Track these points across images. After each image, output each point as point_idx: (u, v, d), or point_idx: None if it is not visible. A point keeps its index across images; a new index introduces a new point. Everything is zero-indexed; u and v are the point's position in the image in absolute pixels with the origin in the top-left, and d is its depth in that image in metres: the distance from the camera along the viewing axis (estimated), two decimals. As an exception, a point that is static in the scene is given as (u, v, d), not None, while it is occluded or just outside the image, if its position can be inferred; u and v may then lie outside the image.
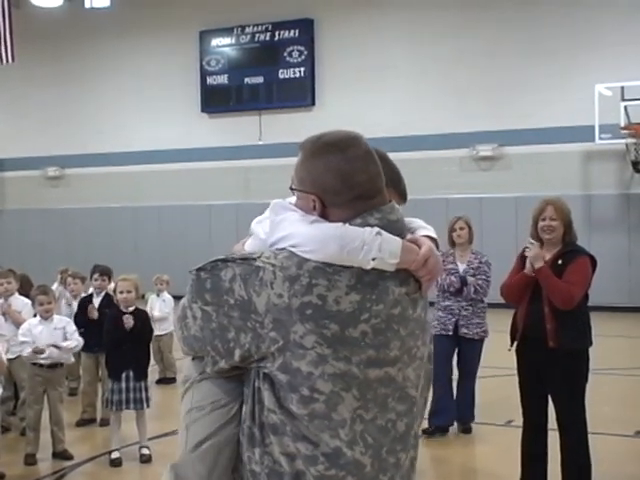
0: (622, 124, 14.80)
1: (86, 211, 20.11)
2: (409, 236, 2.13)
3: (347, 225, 2.02)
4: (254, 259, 2.02)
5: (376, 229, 2.02)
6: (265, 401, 2.02)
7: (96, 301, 7.90)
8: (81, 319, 7.64)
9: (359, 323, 1.99)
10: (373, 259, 1.99)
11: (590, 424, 5.41)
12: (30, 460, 6.53)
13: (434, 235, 2.24)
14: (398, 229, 2.09)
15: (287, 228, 2.05)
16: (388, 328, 2.03)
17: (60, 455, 6.66)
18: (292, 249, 2.00)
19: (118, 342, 6.61)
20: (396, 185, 2.53)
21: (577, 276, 5.12)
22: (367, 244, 1.99)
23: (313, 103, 18.12)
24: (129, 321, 6.60)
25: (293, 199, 2.17)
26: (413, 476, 2.22)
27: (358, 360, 1.99)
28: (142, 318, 6.84)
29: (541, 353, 5.16)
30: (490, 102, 16.47)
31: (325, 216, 2.06)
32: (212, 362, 2.10)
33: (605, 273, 16.04)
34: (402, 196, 2.60)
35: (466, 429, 7.17)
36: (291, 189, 2.16)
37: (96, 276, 8.16)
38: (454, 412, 7.12)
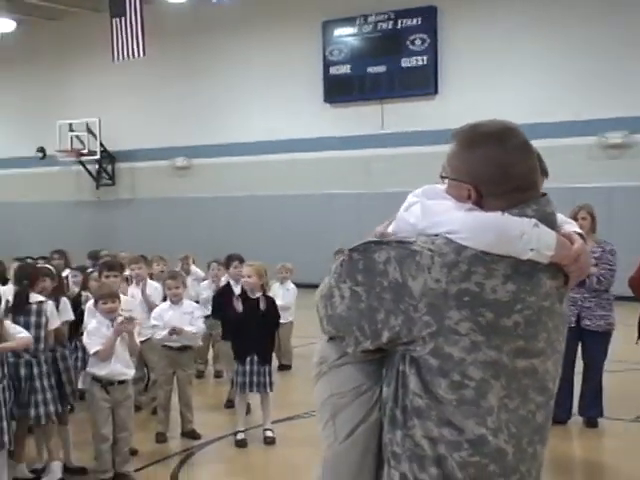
0: None
1: (210, 200, 20.60)
2: (561, 231, 2.12)
3: (506, 214, 2.02)
4: (410, 243, 2.02)
5: (534, 220, 2.03)
6: (410, 385, 2.03)
7: (236, 290, 7.84)
8: (221, 309, 7.53)
9: (513, 313, 2.00)
10: (531, 250, 1.99)
11: None
12: (161, 438, 6.81)
13: (580, 231, 2.21)
14: (552, 222, 2.09)
15: (442, 214, 2.05)
16: (538, 320, 2.04)
17: (188, 434, 6.90)
18: (449, 235, 2.00)
19: (244, 326, 6.75)
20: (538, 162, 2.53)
21: None
22: (526, 234, 1.99)
23: (436, 92, 17.95)
24: (238, 305, 6.69)
25: (442, 186, 2.16)
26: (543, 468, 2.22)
27: (508, 349, 2.00)
28: (269, 304, 6.97)
29: None
30: (619, 88, 15.91)
31: (480, 206, 2.06)
32: (355, 342, 2.09)
33: None
34: (544, 172, 2.63)
35: (591, 423, 7.00)
36: (442, 177, 2.15)
37: (236, 264, 8.32)
38: (571, 406, 6.98)
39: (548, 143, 16.24)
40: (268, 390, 6.80)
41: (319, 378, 2.26)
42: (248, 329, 6.73)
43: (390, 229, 2.20)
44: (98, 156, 21.84)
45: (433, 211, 2.08)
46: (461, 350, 1.98)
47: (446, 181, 2.14)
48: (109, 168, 22.57)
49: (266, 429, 6.82)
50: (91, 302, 6.33)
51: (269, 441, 6.72)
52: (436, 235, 2.02)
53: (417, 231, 2.08)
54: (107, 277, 6.85)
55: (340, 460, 2.18)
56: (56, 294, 6.02)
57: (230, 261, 8.66)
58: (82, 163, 22.16)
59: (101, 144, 21.71)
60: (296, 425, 7.29)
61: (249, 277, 6.88)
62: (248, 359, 6.72)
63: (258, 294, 6.88)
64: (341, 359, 2.19)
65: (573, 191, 15.83)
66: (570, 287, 2.13)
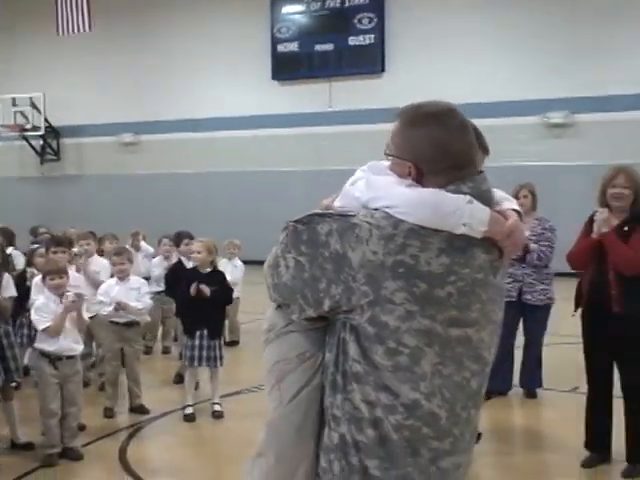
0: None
1: (160, 177, 20.52)
2: (497, 208, 2.22)
3: (442, 191, 2.12)
4: (351, 216, 2.12)
5: (468, 197, 2.12)
6: (350, 351, 2.13)
7: (188, 266, 7.87)
8: (173, 286, 7.47)
9: (446, 284, 2.10)
10: (464, 225, 2.09)
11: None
12: (109, 413, 6.85)
13: (518, 208, 2.31)
14: (487, 199, 2.19)
15: (383, 189, 2.14)
16: (472, 291, 2.14)
17: (137, 409, 6.96)
18: (388, 210, 2.09)
19: (194, 301, 6.82)
20: (477, 140, 2.63)
21: None
22: (459, 210, 2.08)
23: (383, 70, 18.10)
24: (206, 290, 6.77)
25: (387, 163, 2.25)
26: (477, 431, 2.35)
27: (442, 319, 2.10)
28: (219, 279, 7.05)
29: (605, 318, 5.20)
30: (562, 69, 16.24)
31: (420, 182, 2.15)
32: (299, 310, 2.19)
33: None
34: (484, 150, 2.73)
35: (531, 394, 7.25)
36: (386, 154, 2.24)
37: (186, 241, 8.35)
38: (511, 378, 7.22)
39: (493, 122, 16.52)
40: (218, 364, 6.89)
41: (267, 345, 2.36)
42: (198, 305, 6.80)
43: (336, 203, 2.28)
44: (42, 132, 21.57)
45: (375, 186, 2.17)
46: (396, 319, 2.07)
47: (390, 158, 2.23)
48: (54, 144, 22.31)
49: (214, 403, 6.91)
50: (38, 278, 6.34)
51: (217, 415, 6.81)
52: (376, 209, 2.12)
53: (361, 204, 2.17)
54: (54, 253, 6.84)
55: (283, 421, 2.28)
56: (-1, 270, 6.00)
57: (180, 238, 8.70)
58: (26, 138, 21.86)
59: (46, 119, 21.44)
60: (243, 399, 7.40)
61: (199, 253, 6.95)
62: (198, 333, 6.78)
63: (208, 269, 6.97)
64: (287, 327, 2.29)
65: (517, 169, 16.14)
66: (506, 261, 2.24)
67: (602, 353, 5.36)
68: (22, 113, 21.40)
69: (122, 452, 5.96)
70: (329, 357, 2.21)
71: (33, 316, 5.80)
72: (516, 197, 7.20)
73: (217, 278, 7.01)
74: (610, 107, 15.83)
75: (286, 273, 2.19)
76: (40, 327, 5.71)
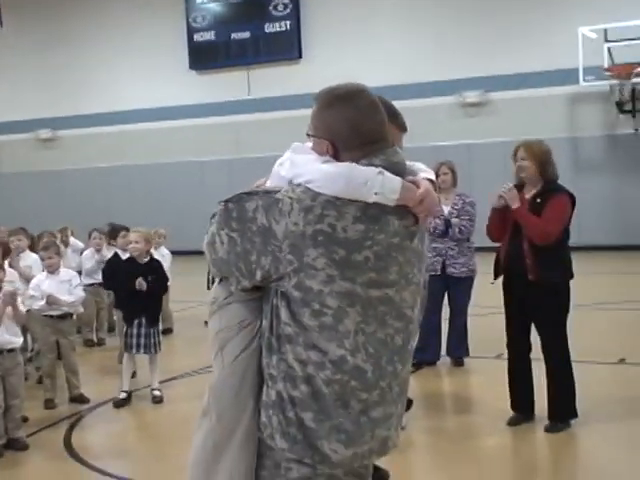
0: (606, 66, 15.07)
1: (79, 172, 20.34)
2: (410, 177, 2.42)
3: (354, 164, 2.32)
4: (275, 192, 2.31)
5: (379, 169, 2.32)
6: (282, 316, 2.33)
7: (123, 258, 7.90)
8: (111, 279, 7.56)
9: (363, 249, 2.29)
10: (376, 194, 2.28)
11: (577, 353, 5.84)
12: (50, 405, 6.91)
13: (433, 177, 2.54)
14: (399, 170, 2.39)
15: (303, 166, 2.34)
16: (388, 255, 2.33)
17: (77, 399, 7.03)
18: (307, 184, 2.29)
19: (133, 292, 6.97)
20: (394, 119, 2.86)
21: (553, 213, 5.44)
22: (370, 180, 2.28)
23: (300, 56, 18.29)
24: (142, 285, 6.90)
25: (309, 143, 2.46)
26: (408, 387, 2.56)
27: (361, 281, 2.30)
28: (155, 268, 7.19)
29: (523, 286, 5.53)
30: (475, 49, 16.69)
31: (337, 158, 2.35)
32: (236, 281, 2.39)
33: (592, 213, 16.57)
34: (401, 127, 2.98)
35: (458, 362, 7.58)
36: (307, 135, 2.44)
37: (123, 233, 8.42)
38: (439, 349, 7.57)
39: (410, 104, 16.88)
40: (157, 351, 7.04)
41: (211, 316, 2.56)
42: (137, 295, 6.94)
43: (268, 183, 2.49)
44: (-44, 130, 21.15)
45: (297, 164, 2.38)
46: (319, 283, 2.27)
47: (311, 138, 2.43)
48: (-31, 143, 21.87)
49: (154, 389, 7.04)
50: (-28, 274, 6.36)
51: (157, 400, 6.94)
52: (298, 184, 2.32)
53: (287, 182, 2.37)
54: (-14, 249, 6.86)
55: (223, 383, 2.47)
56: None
57: (116, 231, 8.75)
58: (-61, 138, 21.39)
59: (-41, 117, 21.03)
60: (179, 384, 7.57)
61: (137, 243, 7.08)
62: (136, 322, 6.93)
63: (145, 259, 7.12)
64: (228, 299, 2.48)
65: (436, 149, 16.57)
66: (422, 225, 2.45)
67: (520, 320, 5.68)
68: None
69: (66, 440, 6.05)
70: (265, 323, 2.40)
71: (-31, 311, 5.83)
72: (436, 174, 7.49)
73: (154, 267, 7.18)
74: (523, 85, 16.35)
75: (221, 248, 2.37)
76: (-23, 321, 5.75)
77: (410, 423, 5.83)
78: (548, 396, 5.68)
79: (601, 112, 16.19)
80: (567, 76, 15.63)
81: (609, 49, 15.06)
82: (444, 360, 7.64)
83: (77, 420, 6.60)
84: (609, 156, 16.28)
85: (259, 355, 2.44)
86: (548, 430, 5.63)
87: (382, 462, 4.69)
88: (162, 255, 9.99)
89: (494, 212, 5.67)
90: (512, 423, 5.79)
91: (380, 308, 2.35)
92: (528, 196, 5.58)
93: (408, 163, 2.49)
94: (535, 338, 5.76)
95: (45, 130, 20.91)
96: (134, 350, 6.96)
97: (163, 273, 7.26)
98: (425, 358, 7.47)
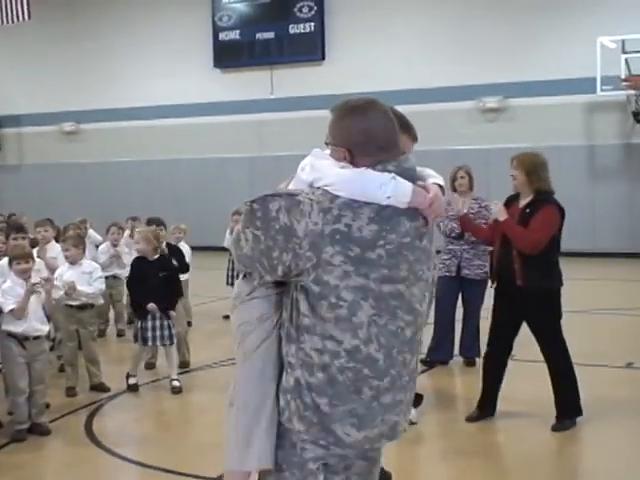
0: (623, 76, 15.19)
1: (101, 165, 20.61)
2: (420, 182, 2.64)
3: (369, 170, 2.54)
4: (296, 195, 2.53)
5: (392, 174, 2.54)
6: (301, 308, 2.54)
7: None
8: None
9: (376, 247, 2.50)
10: (388, 197, 2.51)
11: (584, 357, 6.17)
12: (71, 392, 7.15)
13: (442, 182, 2.75)
14: (410, 175, 2.61)
15: (322, 171, 2.57)
16: (399, 253, 2.55)
17: (97, 387, 7.28)
18: (326, 188, 2.52)
19: (146, 288, 7.27)
20: (407, 129, 3.11)
21: (540, 224, 5.72)
22: (384, 185, 2.51)
23: (323, 58, 18.48)
24: (154, 309, 7.18)
25: (328, 150, 2.68)
26: (417, 376, 2.77)
27: (374, 277, 2.52)
28: (165, 264, 7.46)
29: (513, 291, 5.79)
30: (496, 55, 16.82)
31: (354, 164, 2.58)
32: (259, 276, 2.61)
33: (607, 220, 16.65)
34: (414, 138, 3.24)
35: (470, 362, 7.75)
36: (326, 144, 2.67)
37: (155, 227, 8.52)
38: (452, 349, 7.76)
39: (430, 107, 17.10)
40: (172, 342, 7.30)
41: (234, 310, 2.78)
42: (149, 291, 7.22)
43: (290, 186, 2.71)
44: (-18, 122, 21.48)
45: (317, 169, 2.60)
46: (335, 278, 2.49)
47: (329, 146, 2.66)
48: (-6, 134, 22.20)
49: (173, 379, 7.27)
50: (1, 262, 6.61)
51: (176, 390, 7.17)
52: (317, 188, 2.54)
53: (307, 185, 2.60)
54: (15, 239, 7.10)
55: (246, 373, 2.68)
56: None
57: (148, 225, 8.93)
58: (-35, 129, 21.74)
59: (-15, 109, 21.34)
60: (197, 376, 7.81)
61: (136, 243, 7.51)
62: (150, 315, 7.18)
63: (155, 257, 7.40)
64: (250, 294, 2.70)
65: (454, 153, 16.71)
66: (430, 226, 2.67)
67: (507, 323, 5.95)
68: (-39, 103, 21.27)
69: (87, 426, 6.29)
70: (285, 314, 2.62)
71: (-1, 298, 6.08)
72: (454, 178, 7.71)
73: (164, 263, 7.49)
74: (542, 92, 16.46)
75: (246, 246, 2.59)
76: (6, 309, 5.99)
77: (421, 418, 6.03)
78: (555, 396, 5.88)
79: (617, 121, 16.29)
80: (585, 85, 15.73)
81: (627, 60, 15.18)
82: (457, 360, 7.83)
83: (97, 408, 6.83)
84: (625, 164, 16.38)
85: (278, 345, 2.65)
86: (555, 429, 5.85)
87: (393, 455, 4.92)
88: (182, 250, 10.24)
89: (487, 228, 6.19)
90: (472, 419, 6.10)
91: (391, 302, 2.57)
92: (521, 206, 5.86)
93: (418, 169, 2.70)
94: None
95: (69, 123, 21.19)
96: (150, 342, 7.20)
97: (173, 267, 7.52)
98: (438, 357, 7.68)
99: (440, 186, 2.72)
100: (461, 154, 16.75)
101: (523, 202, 5.86)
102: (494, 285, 6.05)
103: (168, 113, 19.82)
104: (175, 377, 7.30)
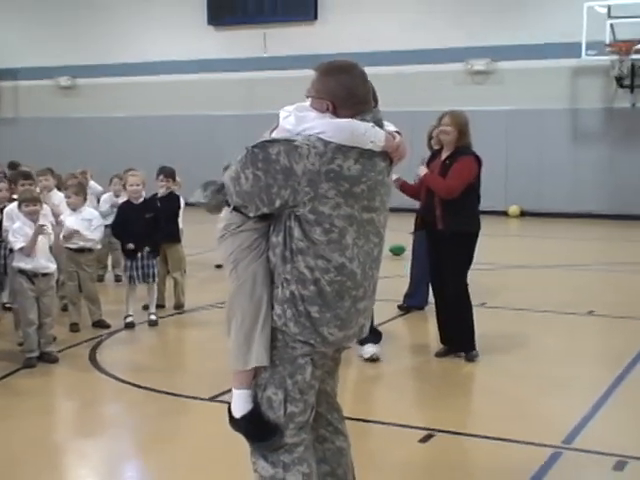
0: (607, 41, 15.63)
1: (97, 120, 20.96)
2: (388, 129, 3.23)
3: (354, 120, 3.11)
4: (294, 140, 3.06)
5: (371, 123, 3.14)
6: (295, 234, 3.09)
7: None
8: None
9: (360, 183, 3.10)
10: (371, 142, 3.10)
11: (552, 306, 6.81)
12: (74, 328, 7.71)
13: (398, 130, 3.34)
14: (381, 125, 3.21)
15: (311, 121, 3.11)
16: (375, 188, 3.16)
17: (98, 324, 7.84)
18: (320, 135, 3.06)
19: (132, 231, 7.91)
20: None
21: (456, 172, 6.41)
22: (367, 131, 3.10)
23: (315, 17, 18.83)
24: (131, 248, 7.84)
25: (307, 103, 3.22)
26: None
27: (358, 207, 3.12)
28: (151, 205, 8.17)
29: (435, 234, 6.53)
30: (485, 18, 17.20)
31: (337, 115, 3.14)
32: (256, 209, 3.12)
33: (589, 182, 17.15)
34: (375, 101, 3.78)
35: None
36: (307, 96, 3.21)
37: (161, 177, 8.98)
38: (427, 295, 8.30)
39: (420, 69, 17.54)
40: (154, 280, 7.98)
41: (224, 240, 3.28)
42: (136, 232, 7.87)
43: (274, 134, 3.22)
44: (-22, 74, 21.76)
45: (305, 120, 3.13)
46: (329, 208, 3.07)
47: (310, 99, 3.20)
48: (-10, 86, 22.48)
49: (151, 313, 7.99)
50: (10, 207, 7.12)
51: (152, 323, 7.91)
52: (311, 135, 3.07)
53: (292, 134, 3.11)
54: (23, 185, 7.61)
55: (241, 289, 3.21)
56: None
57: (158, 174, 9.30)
58: (-38, 81, 22.01)
59: (-18, 62, 21.61)
60: (189, 316, 8.47)
61: (137, 185, 8.09)
62: (139, 255, 7.84)
63: (140, 200, 8.12)
64: (240, 227, 3.22)
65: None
66: (394, 165, 3.27)
67: (437, 266, 6.64)
68: (-43, 55, 21.52)
69: (91, 356, 6.87)
70: (276, 240, 3.15)
71: (10, 237, 6.60)
72: (430, 136, 8.25)
73: (151, 205, 8.25)
74: (529, 55, 16.88)
75: (246, 183, 3.11)
76: (16, 246, 6.53)
77: (394, 361, 6.66)
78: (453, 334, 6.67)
79: (601, 86, 16.74)
80: (570, 49, 16.17)
81: (612, 25, 15.60)
82: (431, 307, 8.41)
83: (99, 342, 7.40)
84: (606, 128, 16.87)
85: (266, 264, 3.20)
86: (468, 359, 6.60)
87: (368, 388, 5.52)
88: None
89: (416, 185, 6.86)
90: (439, 354, 6.74)
91: (367, 227, 3.19)
92: (442, 159, 6.53)
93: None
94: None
95: (65, 77, 21.51)
96: (136, 281, 7.86)
97: (158, 208, 8.20)
98: (414, 303, 8.30)
99: (398, 133, 3.31)
100: (448, 115, 17.21)
101: (444, 155, 6.52)
102: (413, 233, 6.67)
103: (162, 70, 20.14)
104: (153, 311, 8.00)
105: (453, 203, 6.36)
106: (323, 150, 3.03)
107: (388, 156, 3.21)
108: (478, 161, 6.48)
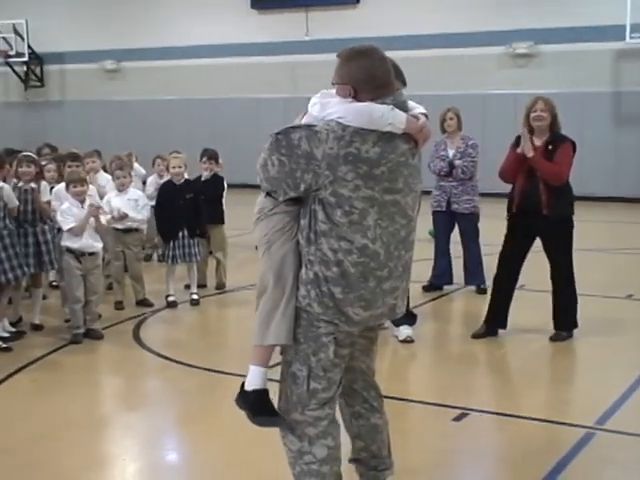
0: (652, 24, 15.47)
1: (141, 103, 21.22)
2: (411, 112, 3.31)
3: (372, 103, 3.20)
4: (314, 126, 3.16)
5: (391, 106, 3.20)
6: (318, 217, 3.19)
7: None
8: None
9: (380, 165, 3.16)
10: (389, 124, 3.17)
11: (590, 290, 7.09)
12: (119, 306, 7.95)
13: (425, 111, 3.41)
14: (404, 107, 3.28)
15: (333, 107, 3.21)
16: (397, 169, 3.22)
17: (142, 303, 8.07)
18: (339, 120, 3.15)
19: (172, 211, 8.06)
20: (399, 76, 3.84)
21: (564, 158, 6.45)
22: (385, 114, 3.17)
23: (357, 1, 18.85)
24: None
25: (333, 90, 3.32)
26: (410, 269, 3.44)
27: (379, 189, 3.19)
28: (192, 187, 8.33)
29: (537, 220, 6.48)
30: (527, 1, 17.08)
31: (357, 99, 3.22)
32: (284, 193, 3.24)
33: (630, 166, 16.99)
34: (403, 83, 3.96)
35: (481, 290, 8.34)
36: (332, 83, 3.31)
37: (204, 160, 9.15)
38: (451, 275, 8.56)
39: (461, 52, 17.48)
40: (196, 260, 8.14)
41: (258, 223, 3.42)
42: (177, 210, 8.05)
43: (303, 120, 3.34)
44: (26, 58, 22.07)
45: (328, 106, 3.23)
46: (349, 190, 3.15)
47: (336, 85, 3.30)
48: (37, 70, 22.83)
49: (192, 292, 8.18)
50: (59, 187, 7.35)
51: (194, 303, 8.09)
52: (331, 120, 3.17)
53: (319, 119, 3.21)
54: (70, 167, 7.83)
55: (271, 268, 3.32)
56: (37, 179, 7.03)
57: (202, 156, 9.45)
58: (9, 64, 22.36)
59: (29, 46, 21.91)
60: (230, 295, 8.69)
61: (179, 167, 8.24)
62: (180, 234, 8.01)
63: (182, 180, 8.26)
64: (273, 210, 3.35)
65: (483, 97, 17.18)
66: (420, 147, 3.33)
67: (521, 249, 6.65)
68: (5, 39, 21.86)
69: (135, 333, 7.10)
70: (303, 222, 3.26)
71: (59, 218, 6.83)
72: (443, 119, 8.34)
73: (192, 186, 8.41)
74: (572, 39, 16.74)
75: (272, 169, 3.22)
76: (65, 227, 6.76)
77: (429, 342, 6.79)
78: (554, 311, 6.67)
79: (645, 69, 16.59)
80: (614, 32, 16.02)
81: (657, 8, 15.43)
82: (467, 288, 8.53)
83: (142, 320, 7.63)
84: (650, 112, 16.71)
85: (296, 246, 3.31)
86: (553, 338, 6.65)
87: (400, 362, 5.64)
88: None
89: (516, 155, 6.50)
90: (477, 336, 6.76)
91: (391, 209, 3.25)
92: (539, 144, 6.48)
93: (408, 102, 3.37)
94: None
95: (110, 61, 21.80)
96: (178, 260, 8.04)
97: (199, 190, 8.35)
98: (438, 282, 8.53)
99: (425, 115, 3.38)
100: (489, 98, 17.23)
101: (539, 141, 6.48)
102: (508, 216, 6.67)
103: (205, 53, 20.31)
104: (195, 291, 8.19)
105: (559, 189, 6.43)
106: (341, 134, 3.10)
107: (412, 138, 3.27)
108: (574, 147, 6.53)
